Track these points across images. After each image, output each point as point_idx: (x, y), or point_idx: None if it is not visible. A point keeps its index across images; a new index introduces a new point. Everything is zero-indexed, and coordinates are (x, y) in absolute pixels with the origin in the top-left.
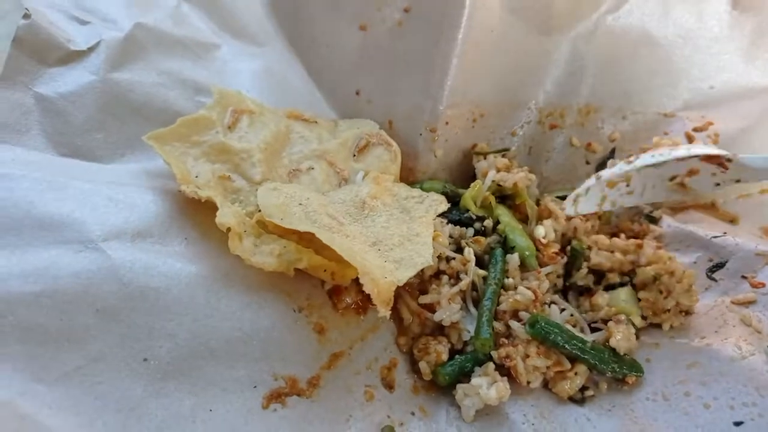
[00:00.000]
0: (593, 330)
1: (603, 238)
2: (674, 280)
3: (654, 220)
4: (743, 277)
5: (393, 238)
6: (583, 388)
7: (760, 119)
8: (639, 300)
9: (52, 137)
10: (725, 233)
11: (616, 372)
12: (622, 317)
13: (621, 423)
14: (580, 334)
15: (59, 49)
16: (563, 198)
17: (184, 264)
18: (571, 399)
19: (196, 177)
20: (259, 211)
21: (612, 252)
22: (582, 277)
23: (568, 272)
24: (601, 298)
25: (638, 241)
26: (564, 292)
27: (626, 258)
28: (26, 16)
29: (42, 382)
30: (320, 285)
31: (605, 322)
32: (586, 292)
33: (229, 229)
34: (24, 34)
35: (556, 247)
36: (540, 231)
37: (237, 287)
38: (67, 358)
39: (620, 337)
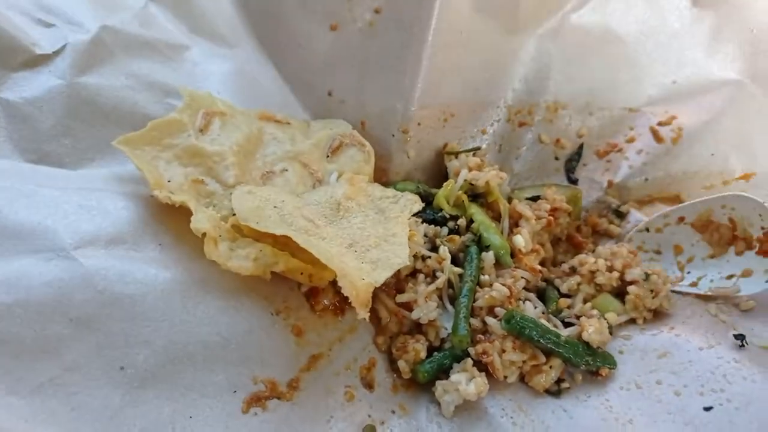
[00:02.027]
0: (566, 325)
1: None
2: (661, 281)
3: (621, 215)
4: None
5: (369, 239)
6: (559, 381)
7: (722, 112)
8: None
9: (18, 144)
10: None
11: (590, 365)
12: (595, 312)
13: (597, 412)
14: (554, 329)
15: (24, 53)
16: (534, 199)
17: (159, 270)
18: (548, 391)
19: (169, 181)
20: (234, 214)
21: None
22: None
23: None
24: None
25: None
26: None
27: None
28: None
29: (17, 394)
30: (297, 287)
31: (578, 317)
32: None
33: (204, 234)
34: None
35: (535, 261)
36: (519, 240)
37: (213, 292)
38: (41, 369)
39: (592, 331)
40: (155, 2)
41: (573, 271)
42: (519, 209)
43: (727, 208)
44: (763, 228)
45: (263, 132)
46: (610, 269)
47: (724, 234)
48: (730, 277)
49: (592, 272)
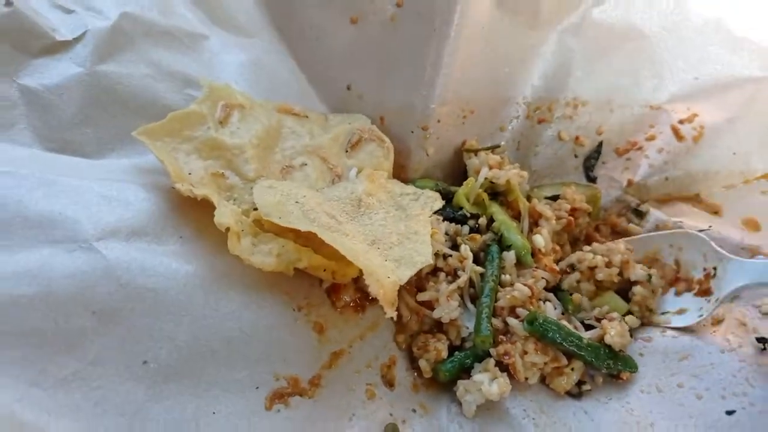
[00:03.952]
0: (585, 326)
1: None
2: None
3: (641, 214)
4: None
5: (391, 236)
6: (580, 383)
7: (745, 110)
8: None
9: (39, 132)
10: (710, 226)
11: (611, 368)
12: (615, 314)
13: (618, 415)
14: (576, 331)
15: (44, 39)
16: (553, 198)
17: (181, 264)
18: (569, 393)
19: (189, 174)
20: (255, 209)
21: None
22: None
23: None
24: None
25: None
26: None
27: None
28: (8, 3)
29: (40, 387)
30: (318, 284)
31: (598, 320)
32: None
33: (227, 229)
34: (6, 23)
35: (551, 261)
36: (539, 240)
37: (235, 287)
38: (65, 362)
39: (614, 333)
40: None
41: (572, 268)
42: (539, 209)
43: (674, 248)
44: (705, 269)
45: (282, 125)
46: (609, 265)
47: (667, 273)
48: (665, 313)
49: (591, 268)
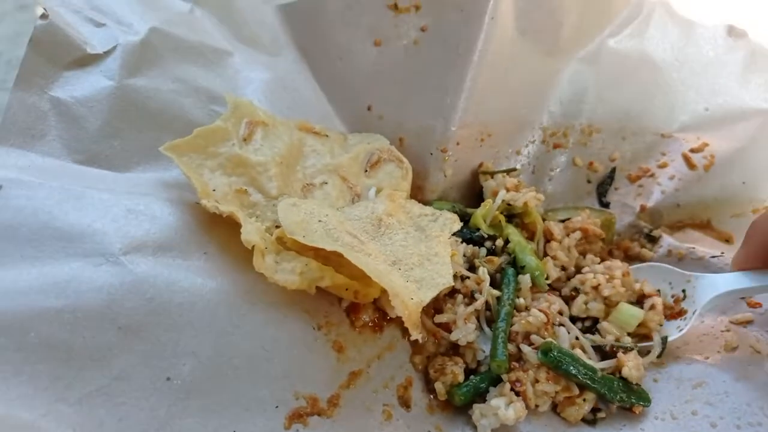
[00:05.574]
0: (596, 349)
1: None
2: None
3: (654, 239)
4: (741, 297)
5: (412, 257)
6: (595, 410)
7: (754, 140)
8: None
9: (68, 143)
10: (723, 253)
11: (624, 401)
12: (629, 342)
13: None
14: (590, 362)
15: (76, 52)
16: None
17: (205, 279)
18: (583, 419)
19: (214, 190)
20: (277, 226)
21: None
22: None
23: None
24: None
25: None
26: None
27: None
28: (44, 16)
29: (65, 402)
30: (337, 303)
31: (614, 350)
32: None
33: (253, 247)
34: (41, 34)
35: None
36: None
37: (258, 304)
38: (90, 378)
39: (632, 366)
40: (200, 7)
41: (576, 291)
42: (551, 229)
43: (640, 282)
44: (673, 296)
45: (303, 143)
46: (611, 279)
47: None
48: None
49: (595, 287)
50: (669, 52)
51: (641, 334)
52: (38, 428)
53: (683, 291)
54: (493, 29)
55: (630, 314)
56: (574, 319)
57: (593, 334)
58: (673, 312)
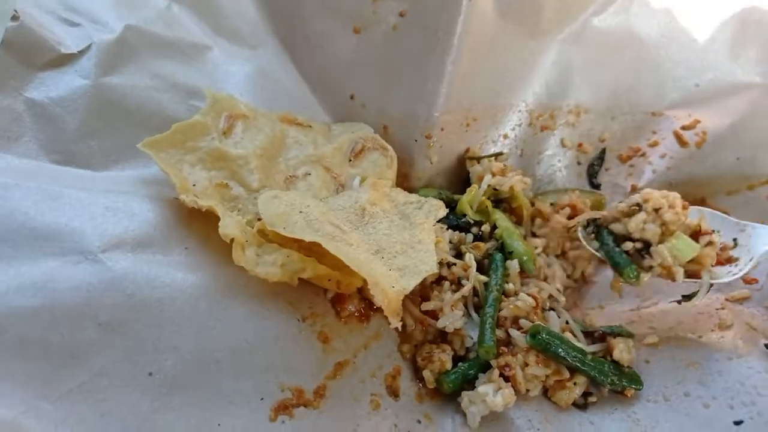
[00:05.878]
0: (587, 335)
1: None
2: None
3: None
4: None
5: (395, 245)
6: (586, 394)
7: (747, 116)
8: None
9: (44, 144)
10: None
11: (615, 384)
12: (622, 340)
13: (624, 426)
14: (580, 345)
15: (50, 52)
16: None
17: (186, 274)
18: (575, 404)
19: (194, 185)
20: (259, 219)
21: None
22: None
23: None
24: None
25: None
26: None
27: None
28: (14, 17)
29: (45, 399)
30: (322, 294)
31: (603, 336)
32: None
33: (232, 240)
34: (13, 36)
35: None
36: (536, 243)
37: (239, 297)
38: (70, 374)
39: (623, 348)
40: (177, 2)
41: (639, 207)
42: (542, 209)
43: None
44: (721, 243)
45: (285, 135)
46: (672, 206)
47: None
48: None
49: (657, 209)
50: (656, 29)
51: (690, 270)
52: (18, 426)
53: (734, 240)
54: (472, 12)
55: (687, 244)
56: (625, 238)
57: (643, 258)
58: (721, 258)
